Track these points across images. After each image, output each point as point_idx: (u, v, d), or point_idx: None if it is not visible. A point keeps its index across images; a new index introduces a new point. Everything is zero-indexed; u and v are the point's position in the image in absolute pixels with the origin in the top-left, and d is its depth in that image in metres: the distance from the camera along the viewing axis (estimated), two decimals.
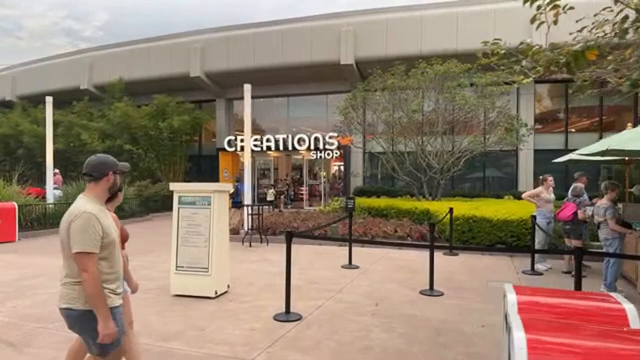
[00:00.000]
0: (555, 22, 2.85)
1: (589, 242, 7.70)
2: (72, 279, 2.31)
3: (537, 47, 3.01)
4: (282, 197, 18.28)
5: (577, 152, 7.11)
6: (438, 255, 7.04)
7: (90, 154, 2.70)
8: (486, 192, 15.99)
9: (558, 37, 3.24)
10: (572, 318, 2.28)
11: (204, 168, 20.37)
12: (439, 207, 10.32)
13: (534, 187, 9.97)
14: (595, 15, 3.20)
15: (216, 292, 5.47)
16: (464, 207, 9.71)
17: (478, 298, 5.50)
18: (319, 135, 17.10)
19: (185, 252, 5.52)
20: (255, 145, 16.71)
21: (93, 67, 21.31)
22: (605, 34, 3.06)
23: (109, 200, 2.61)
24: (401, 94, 13.24)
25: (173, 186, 5.75)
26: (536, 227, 7.22)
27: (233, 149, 18.08)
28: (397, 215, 11.35)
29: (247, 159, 11.54)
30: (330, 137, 16.75)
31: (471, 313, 4.88)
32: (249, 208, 10.50)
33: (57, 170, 14.71)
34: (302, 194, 19.69)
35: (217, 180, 17.78)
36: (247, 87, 11.51)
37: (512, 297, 2.51)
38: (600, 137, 14.53)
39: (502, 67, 3.39)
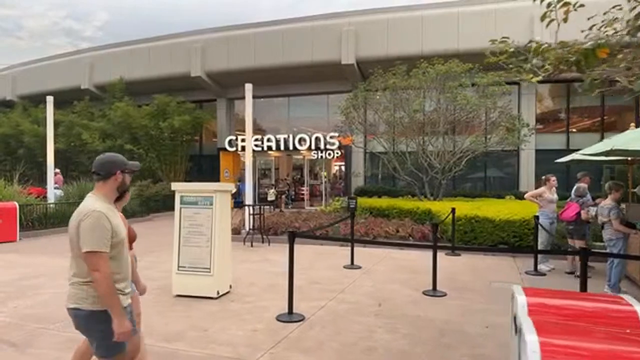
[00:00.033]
0: (565, 20, 2.82)
1: (592, 242, 7.67)
2: (81, 278, 2.28)
3: (546, 45, 2.98)
4: (283, 197, 18.22)
5: (580, 152, 7.06)
6: (440, 255, 7.00)
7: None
8: (487, 192, 15.98)
9: (565, 36, 3.21)
10: (583, 320, 2.24)
11: (205, 168, 20.32)
12: (441, 207, 10.29)
13: (536, 187, 9.93)
14: (605, 14, 3.17)
15: (218, 293, 5.44)
16: (465, 207, 9.68)
17: (481, 299, 5.47)
18: (320, 135, 17.05)
19: (187, 252, 5.48)
20: (256, 145, 16.67)
21: (93, 67, 21.27)
22: (616, 32, 3.02)
23: (117, 200, 2.54)
24: (402, 94, 13.22)
25: (175, 186, 5.72)
26: (539, 227, 7.20)
27: (234, 148, 18.04)
28: (399, 215, 11.34)
29: (248, 158, 11.50)
30: (331, 137, 16.71)
31: (474, 314, 4.86)
32: (251, 208, 10.48)
33: (58, 170, 14.67)
34: (303, 194, 19.66)
35: (217, 180, 17.75)
36: (249, 87, 11.45)
37: (521, 299, 2.46)
38: (602, 137, 14.51)
39: (510, 66, 3.35)
